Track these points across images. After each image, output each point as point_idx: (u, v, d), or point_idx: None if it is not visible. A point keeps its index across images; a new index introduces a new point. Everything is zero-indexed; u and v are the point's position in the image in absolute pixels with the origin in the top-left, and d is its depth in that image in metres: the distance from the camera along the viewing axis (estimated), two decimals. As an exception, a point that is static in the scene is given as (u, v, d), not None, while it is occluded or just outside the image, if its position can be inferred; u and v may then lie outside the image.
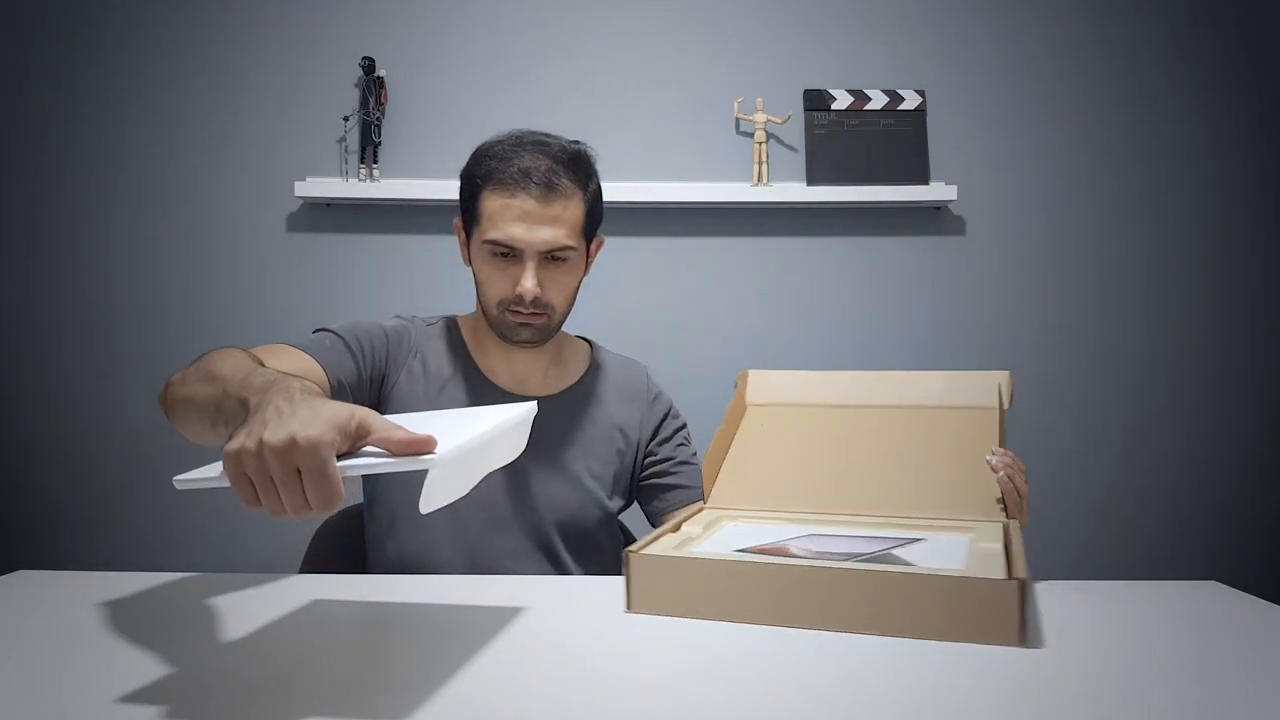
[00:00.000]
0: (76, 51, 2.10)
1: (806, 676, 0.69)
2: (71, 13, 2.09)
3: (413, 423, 0.71)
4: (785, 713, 0.62)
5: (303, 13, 2.12)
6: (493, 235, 1.11)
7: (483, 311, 1.19)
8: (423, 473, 0.67)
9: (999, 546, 0.86)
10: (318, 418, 0.65)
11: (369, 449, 0.67)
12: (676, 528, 0.98)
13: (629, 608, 0.85)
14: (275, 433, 0.63)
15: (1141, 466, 2.16)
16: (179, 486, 0.68)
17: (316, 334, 1.14)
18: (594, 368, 1.29)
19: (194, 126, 2.10)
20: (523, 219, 1.10)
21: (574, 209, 1.13)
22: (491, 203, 1.11)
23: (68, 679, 0.68)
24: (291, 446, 0.62)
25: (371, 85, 2.06)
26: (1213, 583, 0.98)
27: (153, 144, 2.10)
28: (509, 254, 1.12)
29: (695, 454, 1.33)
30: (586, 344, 1.33)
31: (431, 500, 0.69)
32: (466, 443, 0.71)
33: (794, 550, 0.88)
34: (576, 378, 1.27)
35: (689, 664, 0.72)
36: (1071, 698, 0.64)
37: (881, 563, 0.81)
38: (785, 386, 1.19)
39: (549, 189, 1.10)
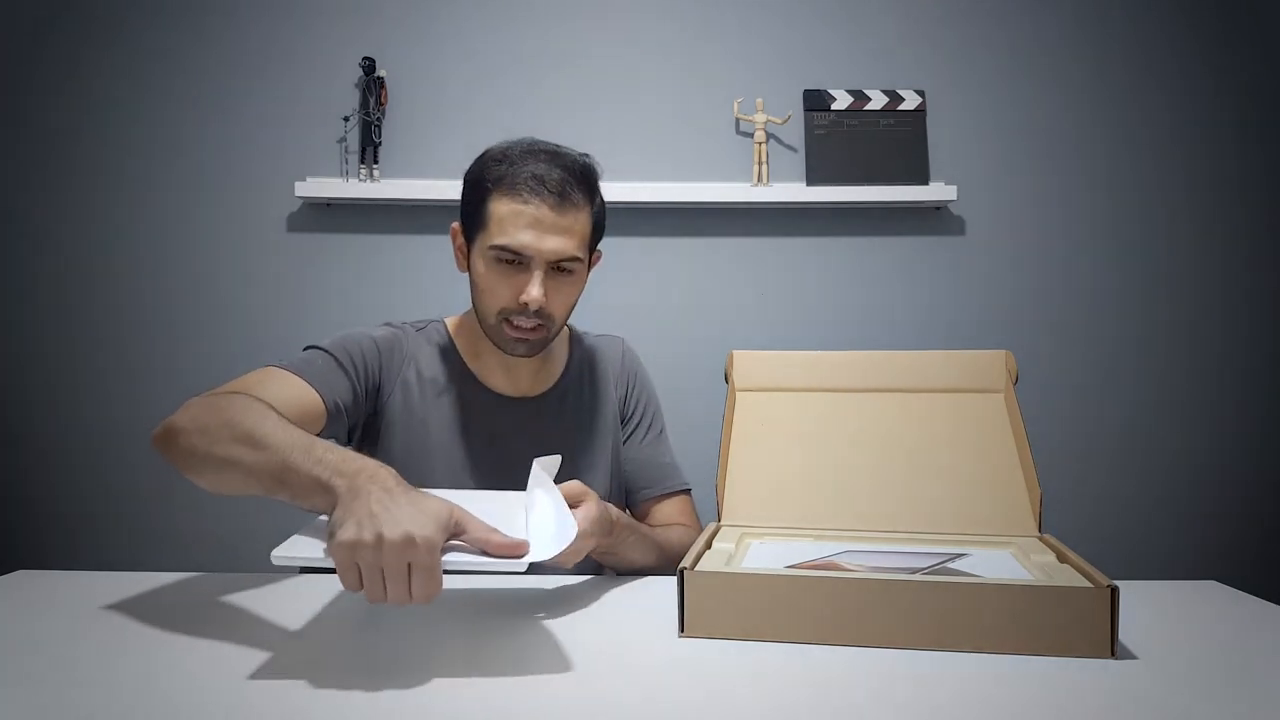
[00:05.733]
0: (76, 52, 2.09)
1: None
2: (71, 13, 2.09)
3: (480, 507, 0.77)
4: None
5: (303, 13, 2.12)
6: (502, 241, 1.07)
7: (478, 318, 1.16)
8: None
9: (1052, 558, 0.84)
10: (426, 515, 0.71)
11: (455, 543, 0.73)
12: (708, 545, 0.91)
13: (683, 631, 0.78)
14: (393, 530, 0.69)
15: (1141, 467, 2.16)
16: (276, 562, 0.72)
17: (307, 352, 1.11)
18: (575, 355, 1.28)
19: (194, 127, 2.10)
20: (534, 226, 1.07)
21: (583, 221, 1.11)
22: (501, 208, 1.08)
23: (67, 679, 0.68)
24: (410, 544, 0.69)
25: (371, 85, 2.06)
26: (1213, 583, 0.98)
27: (153, 144, 2.10)
28: (515, 261, 1.08)
29: (662, 430, 1.32)
30: (566, 329, 1.31)
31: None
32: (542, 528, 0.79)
33: (847, 566, 0.83)
34: (562, 369, 1.26)
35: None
36: (1070, 698, 0.64)
37: (949, 576, 0.77)
38: (776, 369, 1.13)
39: (562, 198, 1.08)
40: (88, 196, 2.10)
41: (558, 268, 1.10)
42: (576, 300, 1.17)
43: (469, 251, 1.15)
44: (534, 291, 1.07)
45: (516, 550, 0.73)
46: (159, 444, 0.91)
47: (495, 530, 0.73)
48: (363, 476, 0.76)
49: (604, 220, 1.18)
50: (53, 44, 2.09)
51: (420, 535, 0.69)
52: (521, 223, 1.07)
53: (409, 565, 0.69)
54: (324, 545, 0.73)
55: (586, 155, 1.15)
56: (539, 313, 1.09)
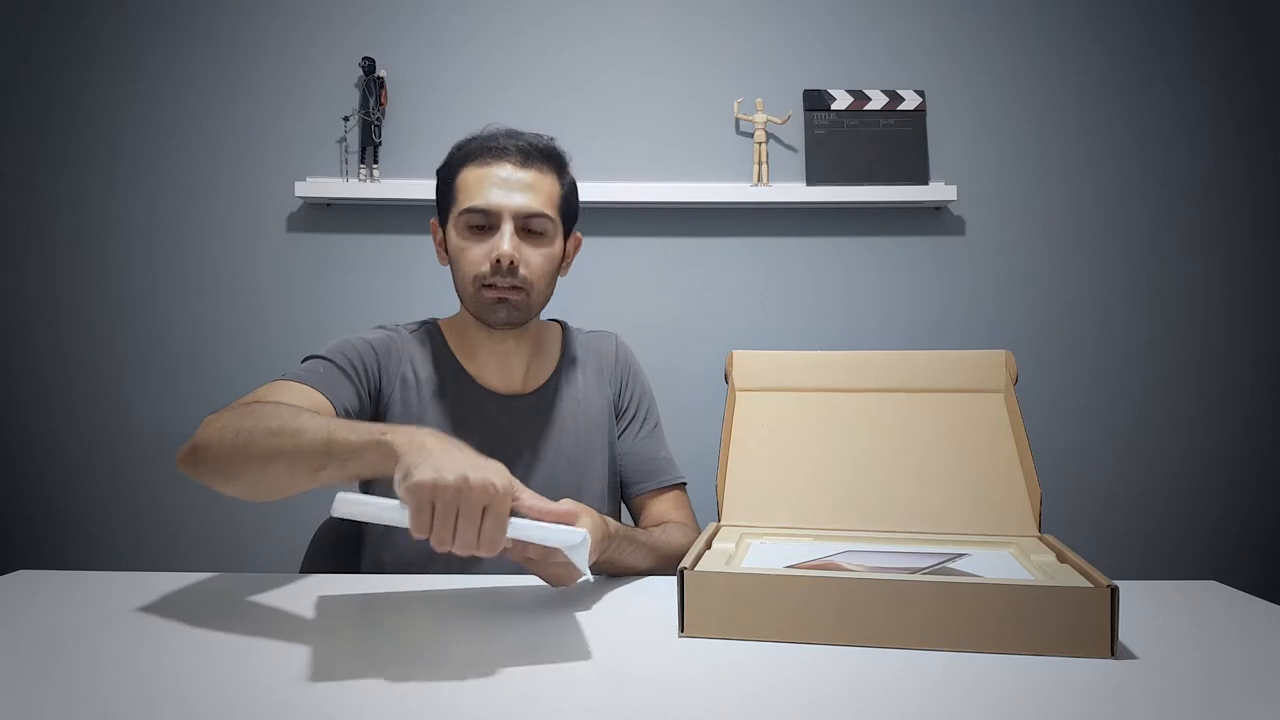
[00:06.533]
0: (75, 51, 2.09)
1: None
2: (70, 12, 2.09)
3: None
4: None
5: (303, 13, 2.12)
6: (469, 203, 1.12)
7: (461, 298, 1.19)
8: None
9: (1052, 558, 0.83)
10: (496, 469, 0.73)
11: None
12: (708, 545, 0.91)
13: (683, 631, 0.78)
14: (476, 473, 0.71)
15: (1141, 467, 2.15)
16: (336, 512, 0.73)
17: (308, 362, 1.12)
18: (568, 352, 1.29)
19: (194, 126, 2.10)
20: (500, 185, 1.12)
21: (549, 183, 1.15)
22: (469, 176, 1.14)
23: (67, 679, 0.68)
24: (491, 489, 0.71)
25: (371, 85, 2.06)
26: (1213, 583, 0.98)
27: (152, 144, 2.10)
28: (485, 226, 1.13)
29: (657, 424, 1.32)
30: (559, 327, 1.33)
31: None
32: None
33: (847, 566, 0.83)
34: (554, 365, 1.27)
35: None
36: (1070, 698, 0.64)
37: (949, 576, 0.77)
38: (776, 368, 1.13)
39: (525, 158, 1.14)
40: (86, 196, 2.10)
41: (528, 229, 1.13)
42: (554, 271, 1.19)
43: (445, 237, 1.18)
44: (504, 245, 1.10)
45: (570, 519, 0.77)
46: (185, 464, 0.92)
47: (544, 499, 0.77)
48: (423, 433, 0.78)
49: (576, 200, 1.22)
50: (51, 44, 2.09)
51: (500, 483, 0.71)
52: (487, 184, 1.12)
53: (484, 510, 0.71)
54: (381, 499, 0.74)
55: (552, 138, 1.20)
56: (513, 271, 1.11)
